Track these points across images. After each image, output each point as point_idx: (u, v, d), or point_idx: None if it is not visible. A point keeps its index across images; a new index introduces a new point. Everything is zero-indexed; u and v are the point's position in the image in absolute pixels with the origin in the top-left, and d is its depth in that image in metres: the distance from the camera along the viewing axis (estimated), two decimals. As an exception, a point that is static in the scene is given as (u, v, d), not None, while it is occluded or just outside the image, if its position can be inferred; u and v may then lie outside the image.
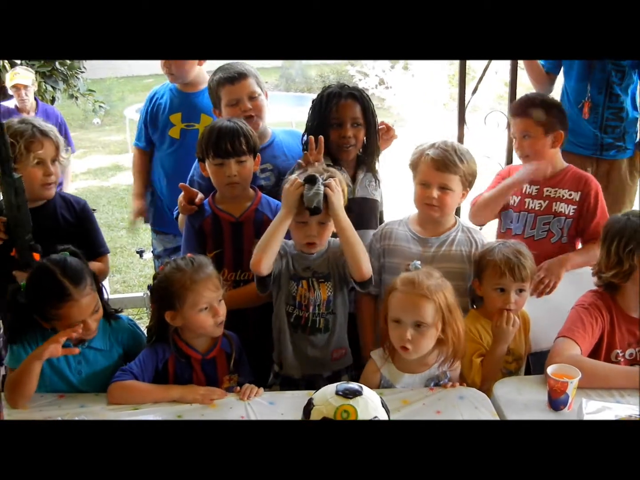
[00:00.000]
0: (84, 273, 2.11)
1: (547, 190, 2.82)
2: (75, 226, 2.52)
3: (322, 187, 2.14)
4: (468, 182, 2.45)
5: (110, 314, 2.28)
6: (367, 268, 2.23)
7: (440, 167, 2.38)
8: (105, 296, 2.28)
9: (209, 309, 2.15)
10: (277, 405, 2.09)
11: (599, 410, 1.75)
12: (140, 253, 3.81)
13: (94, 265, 2.40)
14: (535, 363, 2.58)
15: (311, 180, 2.16)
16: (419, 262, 2.18)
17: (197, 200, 2.55)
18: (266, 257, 2.19)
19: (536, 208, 2.83)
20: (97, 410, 2.05)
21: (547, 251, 2.74)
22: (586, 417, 1.72)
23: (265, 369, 2.43)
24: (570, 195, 2.80)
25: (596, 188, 2.83)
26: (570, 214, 2.79)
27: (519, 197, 2.84)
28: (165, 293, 2.15)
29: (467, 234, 2.52)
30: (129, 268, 5.56)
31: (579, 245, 2.88)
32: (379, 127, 2.73)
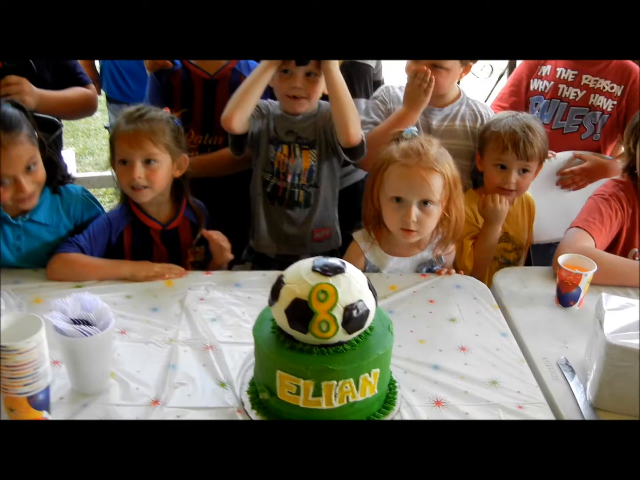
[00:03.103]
0: (20, 122, 1.77)
1: (586, 79, 2.47)
2: None
3: None
4: None
5: (60, 181, 1.95)
6: (355, 131, 1.94)
7: None
8: (64, 167, 1.98)
9: (129, 165, 1.87)
10: (244, 287, 1.83)
11: (622, 307, 1.47)
12: (109, 129, 3.48)
13: (81, 92, 2.27)
14: (536, 256, 2.34)
15: None
16: (415, 129, 1.84)
17: None
18: (240, 111, 1.92)
19: (571, 97, 2.48)
20: (33, 288, 1.77)
21: (574, 147, 2.46)
22: (607, 314, 1.44)
23: (240, 245, 2.18)
24: (612, 88, 2.46)
25: None
26: (609, 109, 2.47)
27: (552, 82, 2.49)
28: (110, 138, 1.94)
29: (473, 107, 2.26)
30: (102, 150, 5.39)
31: (612, 147, 2.57)
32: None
